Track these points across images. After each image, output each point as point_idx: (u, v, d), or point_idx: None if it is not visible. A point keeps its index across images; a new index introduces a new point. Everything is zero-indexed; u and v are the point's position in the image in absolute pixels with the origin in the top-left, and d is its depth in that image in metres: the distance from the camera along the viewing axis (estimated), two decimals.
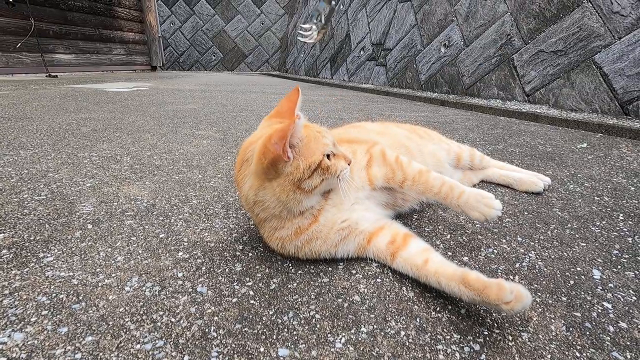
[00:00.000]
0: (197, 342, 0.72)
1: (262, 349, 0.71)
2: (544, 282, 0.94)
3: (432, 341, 0.74)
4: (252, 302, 0.84)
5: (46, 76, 7.63)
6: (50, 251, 1.02)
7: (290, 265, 1.00)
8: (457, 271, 0.82)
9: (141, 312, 0.79)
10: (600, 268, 1.01)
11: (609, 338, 0.75)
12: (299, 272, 0.97)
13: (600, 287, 0.92)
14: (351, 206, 1.01)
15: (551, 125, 3.55)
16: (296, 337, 0.74)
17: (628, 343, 0.74)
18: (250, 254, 1.05)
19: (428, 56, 6.27)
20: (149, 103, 4.21)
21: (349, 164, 0.94)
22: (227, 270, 0.96)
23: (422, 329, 0.77)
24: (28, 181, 1.55)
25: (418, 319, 0.80)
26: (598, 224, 1.29)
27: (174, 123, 3.03)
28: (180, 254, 1.04)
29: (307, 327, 0.77)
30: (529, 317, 0.81)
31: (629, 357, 0.71)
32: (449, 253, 1.08)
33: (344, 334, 0.75)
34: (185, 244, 1.09)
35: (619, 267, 1.01)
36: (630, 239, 1.18)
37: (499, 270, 0.99)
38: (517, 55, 4.65)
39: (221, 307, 0.82)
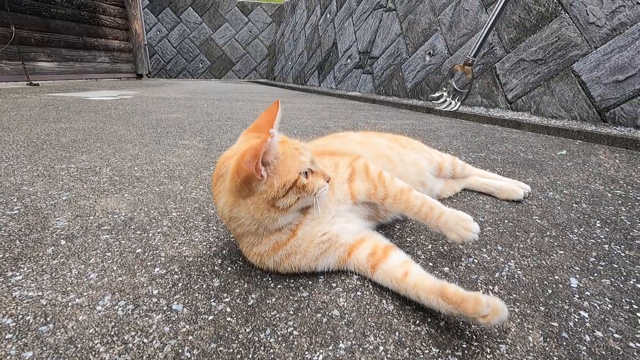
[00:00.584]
0: None
1: None
2: (523, 292, 0.94)
3: (411, 356, 0.73)
4: (228, 319, 0.82)
5: (27, 84, 7.46)
6: (20, 269, 0.98)
7: (269, 279, 0.98)
8: (435, 284, 0.82)
9: (112, 333, 0.77)
10: (578, 276, 1.02)
11: (585, 348, 0.76)
12: (279, 286, 0.95)
13: (577, 296, 0.93)
14: (332, 219, 1.00)
15: (532, 132, 3.62)
16: (273, 356, 0.72)
17: (603, 352, 0.74)
18: (229, 269, 1.03)
19: (413, 64, 6.37)
20: (132, 112, 4.15)
21: (327, 182, 0.93)
22: (204, 286, 0.94)
23: (401, 344, 0.76)
24: (0, 195, 1.50)
25: (397, 333, 0.79)
26: (576, 231, 1.31)
27: (157, 133, 2.98)
28: (157, 269, 1.01)
29: (284, 345, 0.75)
30: (507, 328, 0.81)
31: None
32: (430, 264, 1.08)
33: (321, 351, 0.74)
34: (163, 259, 1.07)
35: (596, 274, 1.03)
36: (607, 246, 1.20)
37: (478, 281, 0.99)
38: (499, 63, 4.76)
39: (196, 326, 0.80)
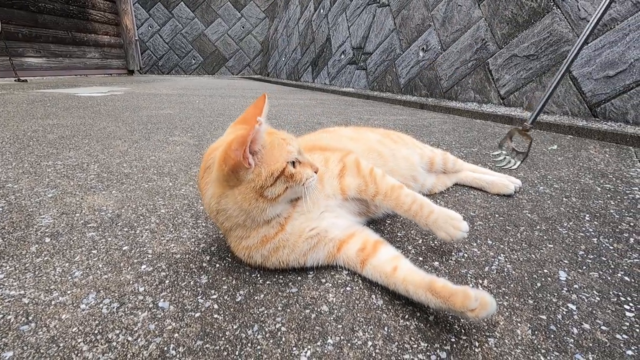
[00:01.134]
0: None
1: None
2: (512, 285, 0.94)
3: (399, 351, 0.73)
4: (215, 316, 0.81)
5: (15, 80, 7.32)
6: (2, 268, 0.96)
7: (258, 275, 0.97)
8: (424, 279, 0.81)
9: (96, 332, 0.75)
10: (566, 269, 1.02)
11: (572, 340, 0.76)
12: (267, 282, 0.94)
13: (566, 289, 0.93)
14: (321, 214, 0.99)
15: None
16: (260, 352, 0.71)
17: (591, 345, 0.75)
18: (217, 265, 1.01)
19: (407, 60, 6.36)
20: (122, 108, 4.09)
21: (315, 172, 0.92)
22: (192, 283, 0.93)
23: (390, 339, 0.76)
24: None
25: (386, 328, 0.79)
26: (565, 225, 1.31)
27: (147, 129, 2.94)
28: (144, 267, 0.99)
29: (271, 341, 0.74)
30: (495, 321, 0.81)
31: (591, 359, 0.71)
32: (420, 258, 1.07)
33: (309, 347, 0.73)
34: (150, 256, 1.05)
35: (584, 267, 1.03)
36: (595, 239, 1.21)
37: (468, 275, 0.99)
38: (491, 59, 4.77)
39: (183, 323, 0.78)
